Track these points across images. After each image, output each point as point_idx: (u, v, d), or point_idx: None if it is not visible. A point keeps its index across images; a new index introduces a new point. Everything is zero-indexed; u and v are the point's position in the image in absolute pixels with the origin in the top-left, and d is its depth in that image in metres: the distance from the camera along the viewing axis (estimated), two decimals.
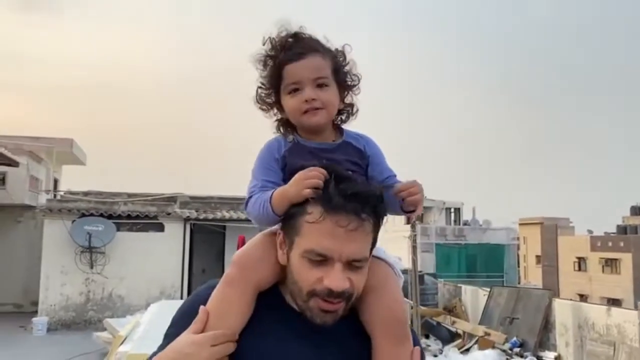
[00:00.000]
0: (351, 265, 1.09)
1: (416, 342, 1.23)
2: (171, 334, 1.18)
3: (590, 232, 45.27)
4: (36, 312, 13.67)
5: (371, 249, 1.15)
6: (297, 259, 1.12)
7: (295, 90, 1.25)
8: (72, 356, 10.50)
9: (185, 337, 1.12)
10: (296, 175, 1.14)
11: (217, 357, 1.10)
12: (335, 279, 1.08)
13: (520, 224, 45.33)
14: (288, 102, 1.27)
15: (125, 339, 7.99)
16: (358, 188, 1.10)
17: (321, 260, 1.09)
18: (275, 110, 1.33)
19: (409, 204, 1.19)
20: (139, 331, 8.10)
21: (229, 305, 1.15)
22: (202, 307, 1.16)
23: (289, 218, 1.15)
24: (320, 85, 1.25)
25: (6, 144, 13.85)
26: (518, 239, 38.56)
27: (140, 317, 9.24)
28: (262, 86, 1.32)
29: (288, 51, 1.26)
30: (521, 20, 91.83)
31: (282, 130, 1.33)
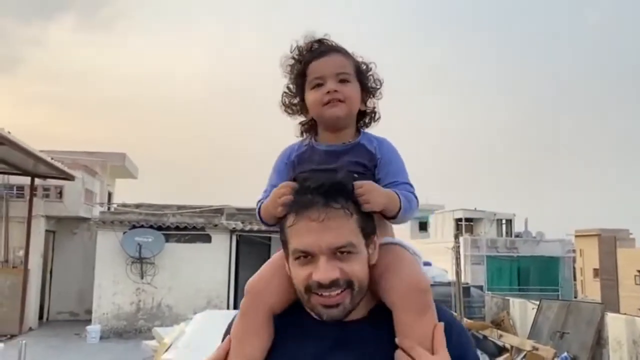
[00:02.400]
0: (338, 254, 1.11)
1: (443, 318, 1.19)
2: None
3: None
4: (90, 320, 14.19)
5: (366, 240, 1.15)
6: (291, 264, 1.16)
7: (319, 85, 1.30)
8: None
9: None
10: (272, 191, 1.22)
11: None
12: (321, 271, 1.09)
13: (576, 236, 43.68)
14: (311, 96, 1.32)
15: (169, 347, 8.20)
16: (321, 181, 1.13)
17: (307, 258, 1.12)
18: (300, 112, 1.38)
19: (362, 204, 1.17)
20: (183, 340, 8.31)
21: (244, 335, 1.19)
22: (228, 336, 1.24)
23: (280, 232, 1.20)
24: (342, 81, 1.30)
25: (63, 159, 14.54)
26: (574, 251, 37.20)
27: (185, 325, 9.46)
28: (288, 90, 1.38)
29: (313, 51, 1.33)
30: (569, 23, 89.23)
31: (304, 134, 1.39)
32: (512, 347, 11.07)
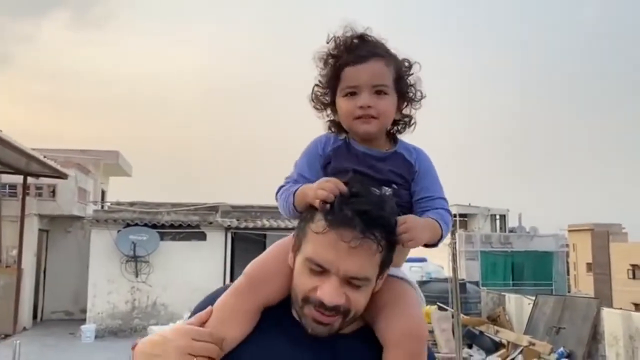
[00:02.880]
0: (349, 282, 1.06)
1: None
2: None
3: None
4: (85, 319, 14.12)
5: (380, 272, 1.11)
6: (300, 264, 1.10)
7: (352, 93, 1.22)
8: None
9: (175, 325, 1.14)
10: (320, 180, 1.12)
11: (191, 352, 1.05)
12: (329, 292, 1.05)
13: (570, 231, 43.98)
14: (342, 104, 1.24)
15: None
16: (369, 207, 1.06)
17: (320, 270, 1.07)
18: (329, 112, 1.31)
19: (405, 242, 1.12)
20: None
21: (231, 314, 1.13)
22: (210, 306, 1.15)
23: (301, 221, 1.14)
24: (378, 92, 1.22)
25: (56, 158, 14.41)
26: (567, 246, 37.38)
27: (181, 323, 9.42)
28: (320, 84, 1.30)
29: (351, 53, 1.23)
30: (570, 19, 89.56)
31: (333, 131, 1.30)
32: (508, 342, 11.10)
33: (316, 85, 1.30)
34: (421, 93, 1.29)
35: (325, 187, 1.08)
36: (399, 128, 1.31)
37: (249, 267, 1.18)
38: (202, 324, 1.11)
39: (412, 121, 1.31)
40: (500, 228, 36.48)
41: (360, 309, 1.10)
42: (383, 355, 1.12)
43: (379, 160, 1.23)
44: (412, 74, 1.28)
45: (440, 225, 1.19)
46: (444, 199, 1.26)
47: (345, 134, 1.27)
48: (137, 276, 14.16)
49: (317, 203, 1.08)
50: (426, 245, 1.20)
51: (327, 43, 1.26)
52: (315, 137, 1.29)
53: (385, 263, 1.11)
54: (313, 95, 1.30)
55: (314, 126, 1.34)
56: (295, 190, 1.17)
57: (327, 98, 1.28)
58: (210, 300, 1.19)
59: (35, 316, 15.75)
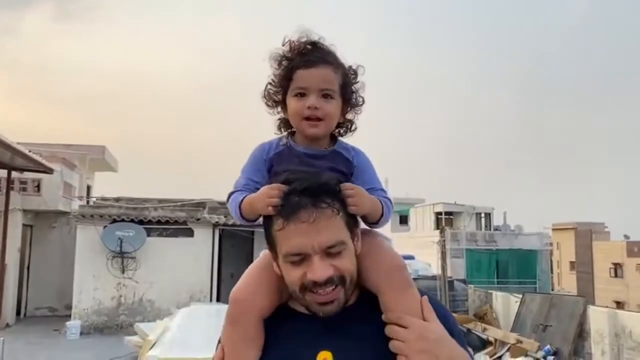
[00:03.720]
0: (329, 253, 1.14)
1: (439, 311, 1.24)
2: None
3: (626, 237, 43.99)
4: (70, 316, 13.95)
5: (351, 230, 1.19)
6: (283, 265, 1.18)
7: (302, 94, 1.29)
8: None
9: None
10: (261, 190, 1.21)
11: None
12: (316, 270, 1.12)
13: (553, 229, 44.41)
14: (292, 104, 1.31)
15: (155, 343, 8.08)
16: (307, 183, 1.15)
17: (300, 259, 1.14)
18: (279, 109, 1.38)
19: (350, 205, 1.20)
20: (168, 335, 8.20)
21: (236, 343, 1.22)
22: (219, 344, 1.26)
23: (265, 232, 1.21)
24: (325, 96, 1.29)
25: (41, 152, 14.22)
26: (551, 244, 37.76)
27: (169, 321, 9.33)
28: (272, 83, 1.36)
29: (303, 57, 1.30)
30: (548, 17, 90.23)
31: (282, 130, 1.38)
32: (496, 340, 11.18)
33: (269, 83, 1.36)
34: (363, 99, 1.38)
35: (272, 195, 1.17)
36: (341, 131, 1.39)
37: (233, 293, 1.26)
38: None
39: (354, 126, 1.39)
40: (486, 226, 36.76)
41: (352, 271, 1.18)
42: (379, 298, 1.21)
43: (319, 159, 1.30)
44: (358, 81, 1.36)
45: (382, 205, 1.29)
46: (384, 190, 1.35)
47: (292, 132, 1.35)
48: (123, 272, 14.02)
49: (270, 211, 1.17)
50: (368, 223, 1.29)
51: (283, 45, 1.33)
52: (259, 144, 1.37)
53: (351, 223, 1.19)
54: (265, 93, 1.38)
55: None
56: (241, 202, 1.25)
57: (279, 96, 1.35)
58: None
59: (18, 312, 15.53)
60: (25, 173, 14.63)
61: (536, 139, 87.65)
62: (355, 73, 1.36)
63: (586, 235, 42.43)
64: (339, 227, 1.16)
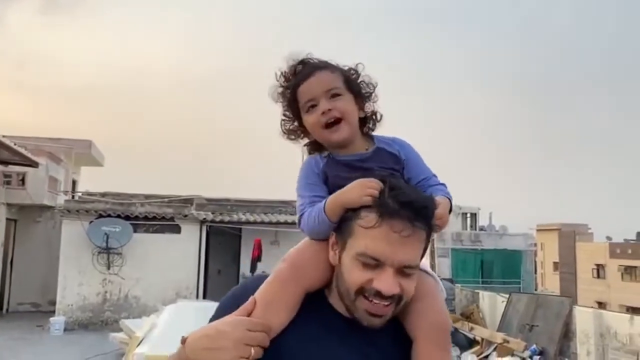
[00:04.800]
0: (402, 271, 1.12)
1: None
2: (213, 319, 1.21)
3: (609, 238, 44.59)
4: (54, 311, 13.78)
5: (421, 258, 1.18)
6: (349, 260, 1.14)
7: (312, 106, 1.29)
8: (88, 356, 10.56)
9: (225, 317, 1.16)
10: (354, 182, 1.17)
11: (248, 342, 1.11)
12: (386, 282, 1.10)
13: (538, 230, 44.85)
14: (308, 120, 1.30)
15: (142, 340, 7.99)
16: (413, 197, 1.13)
17: (374, 263, 1.11)
18: (302, 136, 1.37)
19: (436, 226, 1.19)
20: (155, 332, 8.11)
21: (276, 300, 1.17)
22: (251, 297, 1.19)
23: (342, 220, 1.18)
24: (334, 96, 1.28)
25: (26, 145, 14.02)
26: (535, 245, 38.12)
27: (156, 318, 9.24)
28: (285, 117, 1.36)
29: (297, 75, 1.32)
30: (539, 19, 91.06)
31: (312, 153, 1.36)
32: (482, 339, 11.24)
33: (282, 119, 1.37)
34: (373, 85, 1.36)
35: (370, 186, 1.14)
36: (370, 126, 1.37)
37: (290, 254, 1.23)
38: (249, 314, 1.16)
39: (379, 115, 1.37)
40: (471, 226, 36.98)
41: (410, 295, 1.16)
42: (413, 347, 1.18)
43: (366, 161, 1.28)
44: (359, 74, 1.35)
45: (450, 200, 1.28)
46: (436, 175, 1.34)
47: (325, 151, 1.33)
48: (109, 268, 13.88)
49: (367, 200, 1.13)
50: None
51: (277, 80, 1.34)
52: (303, 163, 1.35)
53: (425, 251, 1.19)
54: (283, 129, 1.38)
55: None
56: (325, 203, 1.21)
57: (295, 124, 1.35)
58: (246, 290, 1.23)
59: (0, 308, 15.35)
60: (10, 166, 14.43)
61: (523, 140, 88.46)
62: (355, 70, 1.35)
63: (570, 237, 42.93)
64: (420, 250, 1.16)
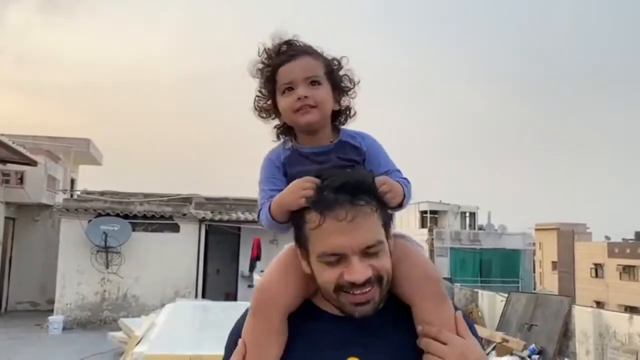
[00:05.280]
0: (367, 252, 1.09)
1: (457, 309, 1.22)
2: None
3: (607, 238, 44.66)
4: (52, 310, 13.75)
5: (386, 229, 1.14)
6: (316, 264, 1.13)
7: (289, 89, 1.27)
8: (87, 355, 10.54)
9: None
10: (290, 185, 1.17)
11: None
12: (355, 272, 1.08)
13: (536, 229, 44.89)
14: (282, 102, 1.29)
15: (141, 340, 7.97)
16: (344, 179, 1.10)
17: (336, 259, 1.09)
18: (273, 116, 1.35)
19: (389, 201, 1.17)
20: (154, 332, 8.08)
21: (260, 336, 1.17)
22: (240, 339, 1.19)
23: (296, 230, 1.17)
24: (312, 83, 1.27)
25: (24, 144, 13.99)
26: (534, 244, 38.16)
27: (155, 317, 9.22)
28: (259, 94, 1.35)
29: (281, 55, 1.30)
30: (538, 19, 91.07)
31: (281, 137, 1.36)
32: (481, 338, 11.20)
33: (256, 95, 1.35)
34: (354, 81, 1.34)
35: (305, 187, 1.13)
36: (342, 119, 1.35)
37: (259, 283, 1.22)
38: (244, 358, 1.16)
39: (352, 111, 1.36)
40: (470, 225, 37.07)
41: (388, 271, 1.13)
42: (413, 308, 1.17)
43: (327, 154, 1.28)
44: (342, 67, 1.33)
45: (403, 187, 1.25)
46: (400, 171, 1.32)
47: (293, 137, 1.33)
48: (107, 267, 13.85)
49: (302, 202, 1.12)
50: (390, 208, 1.23)
51: (259, 55, 1.32)
52: (265, 156, 1.35)
53: (386, 222, 1.15)
54: (255, 105, 1.36)
55: None
56: (269, 207, 1.22)
57: (269, 103, 1.34)
58: (237, 331, 1.23)
59: None
60: (8, 165, 14.39)
61: (522, 140, 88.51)
62: (339, 62, 1.33)
63: (568, 236, 42.97)
64: (376, 225, 1.11)
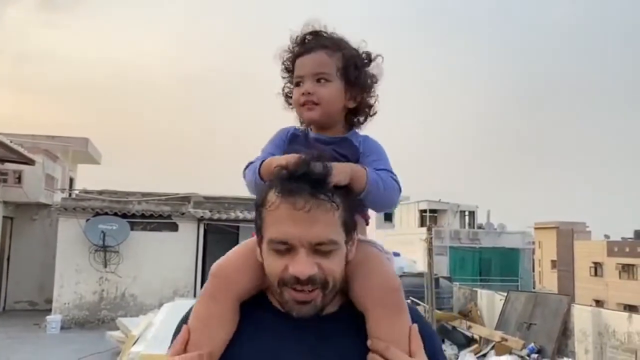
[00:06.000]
0: (318, 250, 1.04)
1: (415, 321, 1.15)
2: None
3: (607, 237, 44.68)
4: (50, 310, 13.70)
5: (347, 236, 1.09)
6: (265, 251, 1.09)
7: (299, 83, 1.31)
8: (85, 355, 10.50)
9: None
10: (287, 155, 1.16)
11: None
12: (299, 265, 1.03)
13: (536, 228, 44.86)
14: (294, 93, 1.33)
15: (138, 339, 7.95)
16: (312, 171, 1.05)
17: (285, 248, 1.05)
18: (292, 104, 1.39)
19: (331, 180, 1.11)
20: (151, 331, 8.07)
21: (210, 319, 1.12)
22: (184, 325, 1.13)
23: (257, 213, 1.12)
24: (319, 80, 1.28)
25: (23, 143, 13.94)
26: (533, 243, 38.14)
27: (153, 317, 9.19)
28: (285, 79, 1.39)
29: (301, 46, 1.32)
30: (537, 21, 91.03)
31: (302, 124, 1.37)
32: (480, 337, 11.22)
33: (285, 80, 1.39)
34: (373, 80, 1.33)
35: (289, 159, 1.09)
36: (360, 119, 1.35)
37: (213, 268, 1.18)
38: (186, 343, 1.10)
39: (373, 110, 1.36)
40: (469, 224, 37.02)
41: (337, 277, 1.08)
42: (366, 318, 1.11)
43: (326, 144, 1.29)
44: (366, 63, 1.33)
45: (366, 170, 1.20)
46: (389, 170, 1.27)
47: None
48: (105, 266, 13.80)
49: (277, 170, 1.09)
50: (355, 192, 1.17)
51: (290, 42, 1.34)
52: (280, 128, 1.37)
53: (348, 224, 1.09)
54: (283, 92, 1.39)
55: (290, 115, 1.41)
56: (262, 161, 1.21)
57: (290, 89, 1.37)
58: (186, 317, 1.18)
59: None
60: (6, 164, 14.34)
61: (522, 139, 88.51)
62: (368, 56, 1.33)
63: (567, 235, 42.93)
64: (334, 224, 1.06)
